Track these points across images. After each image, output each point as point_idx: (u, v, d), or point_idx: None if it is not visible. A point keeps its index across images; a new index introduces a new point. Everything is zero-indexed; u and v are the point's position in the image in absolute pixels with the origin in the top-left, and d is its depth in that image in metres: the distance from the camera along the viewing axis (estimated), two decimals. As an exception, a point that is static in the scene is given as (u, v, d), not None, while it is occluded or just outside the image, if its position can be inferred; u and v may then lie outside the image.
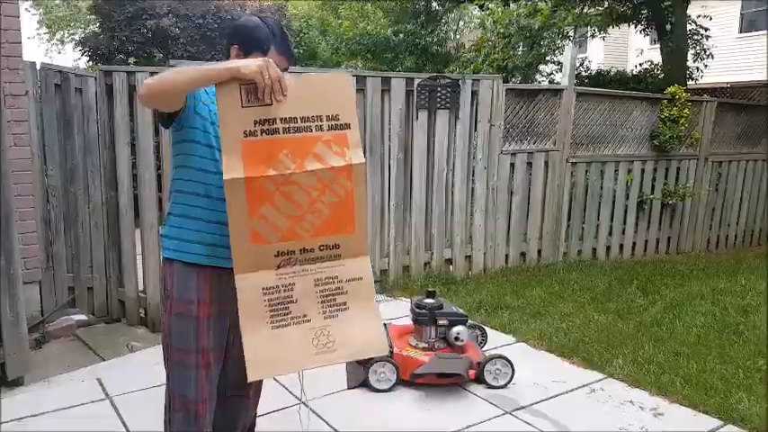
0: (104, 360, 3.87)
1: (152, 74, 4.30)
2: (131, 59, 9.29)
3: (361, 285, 1.91)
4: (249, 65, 1.75)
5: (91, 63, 9.82)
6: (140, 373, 3.50)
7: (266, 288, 1.82)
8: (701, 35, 9.14)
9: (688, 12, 8.75)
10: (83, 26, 19.44)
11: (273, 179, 1.78)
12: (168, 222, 2.08)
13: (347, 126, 1.83)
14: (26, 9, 19.24)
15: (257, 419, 2.49)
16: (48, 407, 3.13)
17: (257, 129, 1.77)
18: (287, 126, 1.79)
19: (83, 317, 4.44)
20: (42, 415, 3.06)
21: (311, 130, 1.81)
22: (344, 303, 1.89)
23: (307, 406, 2.63)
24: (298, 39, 13.21)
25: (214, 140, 1.99)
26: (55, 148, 4.34)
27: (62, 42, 21.67)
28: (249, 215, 1.77)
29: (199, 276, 2.01)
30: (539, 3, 8.58)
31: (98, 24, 10.91)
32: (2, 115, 3.27)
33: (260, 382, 2.36)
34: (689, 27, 8.82)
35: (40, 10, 20.54)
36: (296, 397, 3.28)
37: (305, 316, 1.85)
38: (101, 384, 3.41)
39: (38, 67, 4.22)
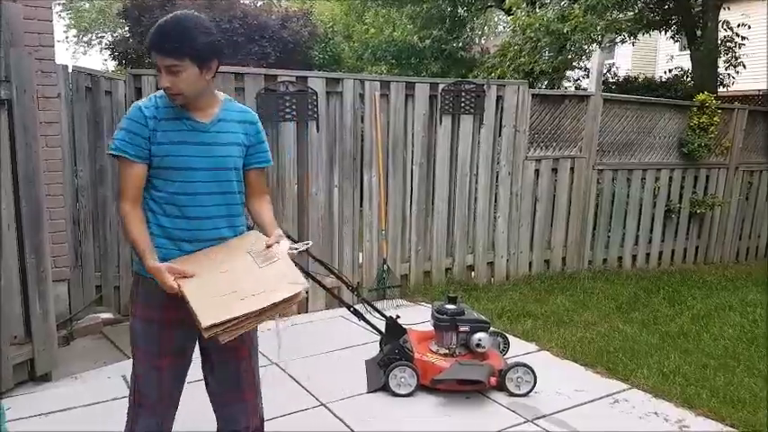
0: (129, 357, 3.91)
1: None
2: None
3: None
4: (162, 283, 1.92)
5: (119, 66, 10.02)
6: (164, 372, 3.54)
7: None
8: (735, 42, 8.95)
9: (726, 18, 8.58)
10: (111, 30, 19.87)
11: None
12: None
13: None
14: (56, 13, 19.76)
15: (278, 420, 2.48)
16: (75, 402, 3.20)
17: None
18: None
19: (109, 315, 4.52)
20: (69, 410, 3.13)
21: None
22: None
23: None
24: (323, 45, 13.31)
25: (171, 160, 2.01)
26: (85, 150, 4.43)
27: (89, 45, 22.19)
28: None
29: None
30: (567, 8, 8.48)
31: (127, 29, 11.11)
32: (35, 117, 3.36)
33: (253, 379, 2.25)
34: (722, 34, 8.65)
35: (67, 14, 21.04)
36: (316, 399, 3.30)
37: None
38: (126, 381, 3.46)
39: (69, 70, 4.32)
